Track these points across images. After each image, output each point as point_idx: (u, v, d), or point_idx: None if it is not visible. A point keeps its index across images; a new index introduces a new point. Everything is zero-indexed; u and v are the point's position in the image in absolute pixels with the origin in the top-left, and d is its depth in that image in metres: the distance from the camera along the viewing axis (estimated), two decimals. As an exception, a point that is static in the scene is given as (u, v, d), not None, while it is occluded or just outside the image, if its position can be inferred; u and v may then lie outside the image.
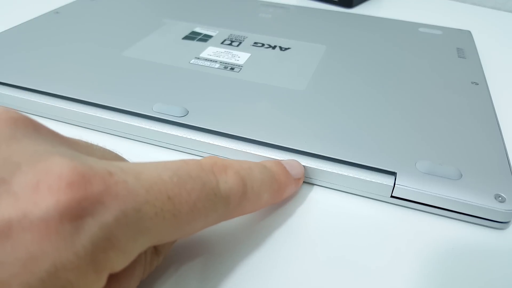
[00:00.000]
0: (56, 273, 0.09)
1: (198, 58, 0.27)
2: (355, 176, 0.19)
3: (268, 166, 0.17)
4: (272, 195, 0.16)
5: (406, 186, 0.18)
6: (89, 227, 0.10)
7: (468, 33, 0.34)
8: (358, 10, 0.43)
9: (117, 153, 0.15)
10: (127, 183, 0.11)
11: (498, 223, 0.18)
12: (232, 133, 0.20)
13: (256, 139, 0.20)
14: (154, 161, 0.13)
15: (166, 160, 0.13)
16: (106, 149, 0.14)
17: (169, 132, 0.21)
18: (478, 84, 0.26)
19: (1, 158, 0.10)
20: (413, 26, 0.35)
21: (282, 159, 0.19)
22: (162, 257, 0.15)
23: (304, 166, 0.19)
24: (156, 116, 0.21)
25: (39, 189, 0.10)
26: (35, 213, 0.09)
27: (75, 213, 0.10)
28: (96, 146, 0.14)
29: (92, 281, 0.10)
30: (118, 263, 0.11)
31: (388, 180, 0.18)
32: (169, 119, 0.21)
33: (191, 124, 0.21)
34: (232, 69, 0.26)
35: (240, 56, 0.28)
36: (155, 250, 0.14)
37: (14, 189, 0.10)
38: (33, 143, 0.11)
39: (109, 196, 0.11)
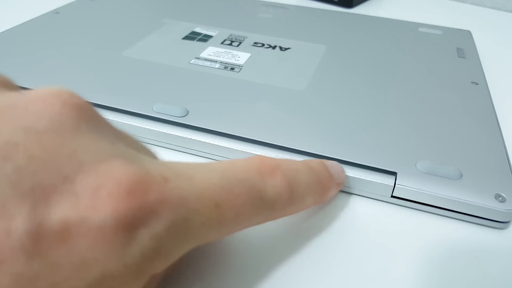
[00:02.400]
0: (103, 281, 0.09)
1: (198, 58, 0.27)
2: (356, 176, 0.19)
3: (314, 168, 0.16)
4: (315, 199, 0.16)
5: (406, 186, 0.18)
6: (141, 238, 0.10)
7: (468, 33, 0.34)
8: (358, 10, 0.43)
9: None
10: (180, 190, 0.11)
11: (498, 223, 0.18)
12: (232, 133, 0.20)
13: (256, 139, 0.20)
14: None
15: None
16: (146, 147, 0.14)
17: (169, 132, 0.21)
18: (478, 84, 0.26)
19: (66, 152, 0.10)
20: (413, 26, 0.35)
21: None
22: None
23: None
24: (156, 116, 0.21)
25: (99, 194, 0.10)
26: (93, 219, 0.09)
27: (130, 224, 0.10)
28: (140, 142, 0.14)
29: (133, 287, 0.10)
30: (160, 268, 0.11)
31: (388, 180, 0.18)
32: (169, 119, 0.21)
33: (191, 124, 0.21)
34: (232, 69, 0.26)
35: (240, 56, 0.28)
36: None
37: (76, 189, 0.10)
38: (96, 138, 0.11)
39: (162, 205, 0.10)
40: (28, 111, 0.10)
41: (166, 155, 0.21)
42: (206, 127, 0.21)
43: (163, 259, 0.11)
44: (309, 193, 0.15)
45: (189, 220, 0.11)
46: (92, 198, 0.10)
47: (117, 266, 0.10)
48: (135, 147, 0.13)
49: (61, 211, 0.09)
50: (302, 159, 0.19)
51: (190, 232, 0.11)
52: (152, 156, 0.14)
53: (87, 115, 0.11)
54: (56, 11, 0.34)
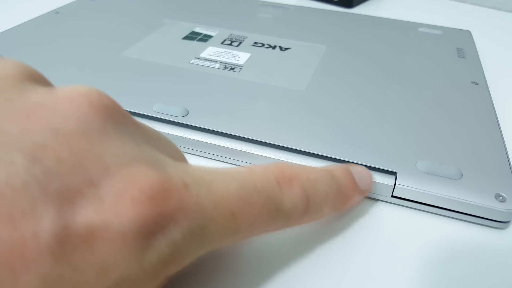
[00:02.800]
0: (121, 283, 0.10)
1: (198, 58, 0.27)
2: (356, 176, 0.19)
3: (336, 176, 0.16)
4: (333, 208, 0.16)
5: (406, 186, 0.18)
6: (159, 245, 0.10)
7: (468, 33, 0.34)
8: (358, 10, 0.43)
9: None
10: (198, 197, 0.11)
11: (498, 223, 0.18)
12: (232, 133, 0.20)
13: (256, 139, 0.20)
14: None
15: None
16: (170, 143, 0.14)
17: (169, 132, 0.21)
18: (478, 84, 0.26)
19: (93, 155, 0.10)
20: (413, 26, 0.35)
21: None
22: None
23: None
24: (157, 116, 0.21)
25: (123, 199, 0.10)
26: (116, 225, 0.10)
27: (150, 230, 0.10)
28: (163, 138, 0.14)
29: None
30: (174, 271, 0.11)
31: (388, 180, 0.18)
32: (170, 119, 0.21)
33: (191, 124, 0.21)
34: (232, 69, 0.26)
35: (240, 56, 0.28)
36: None
37: (100, 193, 0.10)
38: (122, 140, 0.11)
39: (181, 212, 0.11)
40: (57, 112, 0.10)
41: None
42: (206, 127, 0.21)
43: (178, 263, 0.11)
44: (327, 203, 0.15)
45: (205, 228, 0.11)
46: (116, 203, 0.10)
47: (135, 270, 0.10)
48: (159, 145, 0.13)
49: (86, 215, 0.09)
50: (302, 159, 0.19)
51: (205, 239, 0.11)
52: (175, 153, 0.14)
53: (114, 116, 0.11)
54: (56, 11, 0.34)
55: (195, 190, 0.11)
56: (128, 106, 0.22)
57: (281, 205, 0.13)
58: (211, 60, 0.27)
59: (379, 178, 0.19)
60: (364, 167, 0.18)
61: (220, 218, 0.12)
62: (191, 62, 0.27)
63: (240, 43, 0.30)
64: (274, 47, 0.30)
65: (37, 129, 0.10)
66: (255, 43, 0.30)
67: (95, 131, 0.11)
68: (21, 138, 0.09)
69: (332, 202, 0.16)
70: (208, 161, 0.21)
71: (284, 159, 0.19)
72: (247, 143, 0.20)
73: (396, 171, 0.19)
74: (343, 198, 0.16)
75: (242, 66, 0.27)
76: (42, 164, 0.09)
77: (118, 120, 0.12)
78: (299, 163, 0.19)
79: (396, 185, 0.18)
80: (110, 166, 0.10)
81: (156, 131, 0.14)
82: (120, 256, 0.10)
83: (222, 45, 0.30)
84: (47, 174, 0.09)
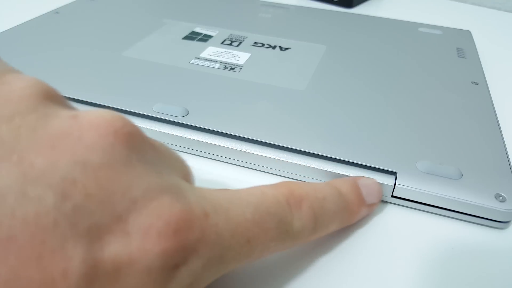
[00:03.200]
0: None
1: (198, 58, 0.27)
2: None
3: (343, 192, 0.16)
4: (340, 224, 0.16)
5: (406, 186, 0.18)
6: (181, 276, 0.11)
7: (468, 33, 0.34)
8: (358, 10, 0.43)
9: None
10: (217, 227, 0.11)
11: (498, 223, 0.18)
12: (232, 133, 0.20)
13: (256, 139, 0.20)
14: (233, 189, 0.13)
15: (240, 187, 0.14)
16: (179, 159, 0.14)
17: (169, 132, 0.21)
18: (478, 84, 0.26)
19: (120, 189, 0.10)
20: (413, 26, 0.35)
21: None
22: None
23: (308, 166, 0.19)
24: (157, 116, 0.21)
25: (150, 235, 0.10)
26: (143, 261, 0.10)
27: (175, 263, 0.10)
28: (173, 155, 0.14)
29: None
30: None
31: (388, 180, 0.18)
32: (170, 119, 0.21)
33: (191, 124, 0.21)
34: (232, 69, 0.26)
35: (240, 56, 0.28)
36: None
37: (128, 229, 0.10)
38: (146, 170, 0.11)
39: (203, 244, 0.11)
40: (82, 142, 0.10)
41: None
42: (206, 127, 0.21)
43: None
44: (334, 221, 0.16)
45: (223, 256, 0.12)
46: (143, 238, 0.10)
47: None
48: (173, 165, 0.13)
49: (114, 251, 0.09)
50: (302, 159, 0.19)
51: (222, 266, 0.12)
52: (185, 170, 0.14)
53: (137, 144, 0.11)
54: (56, 11, 0.34)
55: (214, 219, 0.11)
56: (128, 106, 0.22)
57: (291, 228, 0.14)
58: (211, 60, 0.27)
59: (379, 178, 0.19)
60: (373, 180, 0.18)
61: (237, 245, 0.12)
62: (191, 62, 0.27)
63: (240, 43, 0.30)
64: (274, 47, 0.30)
65: (64, 162, 0.10)
66: (255, 43, 0.30)
67: (121, 163, 0.11)
68: (49, 172, 0.09)
69: (339, 219, 0.16)
70: (208, 161, 0.21)
71: (284, 159, 0.19)
72: (247, 143, 0.20)
73: (396, 171, 0.19)
74: (350, 214, 0.17)
75: (242, 66, 0.27)
76: (71, 201, 0.09)
77: (141, 148, 0.12)
78: (299, 163, 0.19)
79: (396, 185, 0.18)
80: (137, 199, 0.10)
81: (166, 147, 0.14)
82: None
83: (222, 45, 0.30)
84: (77, 211, 0.09)
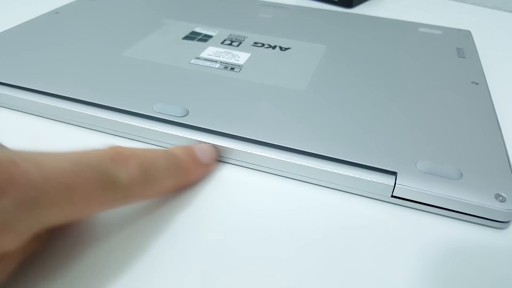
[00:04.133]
0: None
1: (198, 58, 0.27)
2: (356, 176, 0.19)
3: (176, 153, 0.18)
4: (177, 181, 0.18)
5: (406, 186, 0.18)
6: None
7: (468, 33, 0.34)
8: (358, 10, 0.43)
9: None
10: (28, 173, 0.12)
11: (498, 223, 0.18)
12: (232, 133, 0.20)
13: (256, 139, 0.20)
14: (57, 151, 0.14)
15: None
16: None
17: (169, 132, 0.21)
18: (478, 84, 0.26)
19: None
20: (413, 26, 0.35)
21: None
22: (45, 242, 0.16)
23: (308, 166, 0.19)
24: (157, 116, 0.21)
25: None
26: None
27: None
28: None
29: None
30: (10, 246, 0.12)
31: (388, 180, 0.18)
32: (170, 119, 0.21)
33: (191, 124, 0.21)
34: (232, 69, 0.26)
35: (240, 56, 0.28)
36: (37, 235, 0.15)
37: None
38: None
39: (10, 185, 0.12)
40: None
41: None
42: (206, 127, 0.21)
43: (12, 234, 0.12)
44: (167, 177, 0.17)
45: (38, 199, 0.12)
46: None
47: None
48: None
49: None
50: (302, 159, 0.19)
51: (39, 211, 0.12)
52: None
53: None
54: (56, 11, 0.34)
55: (24, 166, 0.12)
56: (128, 106, 0.22)
57: (118, 180, 0.14)
58: (211, 60, 0.27)
59: (379, 178, 0.19)
60: (207, 144, 0.20)
61: (54, 191, 0.12)
62: (191, 62, 0.27)
63: (240, 43, 0.30)
64: (274, 47, 0.30)
65: None
66: (255, 43, 0.30)
67: None
68: None
69: (173, 175, 0.17)
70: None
71: (284, 159, 0.19)
72: (247, 143, 0.20)
73: (396, 171, 0.19)
74: (184, 171, 0.18)
75: (242, 66, 0.27)
76: None
77: None
78: (299, 163, 0.19)
79: (396, 185, 0.18)
80: None
81: None
82: None
83: (222, 45, 0.30)
84: None
